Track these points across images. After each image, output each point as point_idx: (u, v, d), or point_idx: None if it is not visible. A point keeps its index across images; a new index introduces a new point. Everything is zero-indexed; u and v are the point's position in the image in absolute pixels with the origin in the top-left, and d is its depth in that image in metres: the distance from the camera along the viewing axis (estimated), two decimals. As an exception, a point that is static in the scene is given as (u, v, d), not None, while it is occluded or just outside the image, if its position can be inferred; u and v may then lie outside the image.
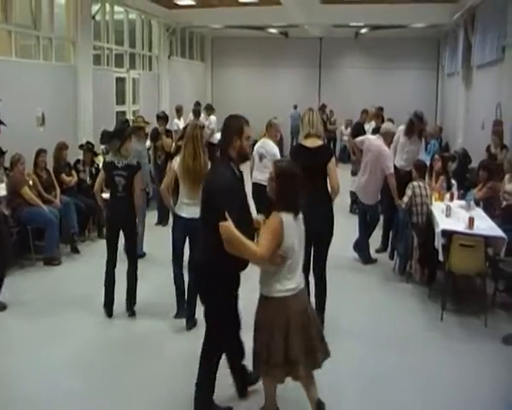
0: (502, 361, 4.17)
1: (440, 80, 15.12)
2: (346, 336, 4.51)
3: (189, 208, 4.34)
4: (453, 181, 6.81)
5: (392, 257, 6.19)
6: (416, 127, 6.76)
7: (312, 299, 4.30)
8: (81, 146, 7.79)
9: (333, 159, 4.26)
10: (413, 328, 4.73)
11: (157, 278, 5.61)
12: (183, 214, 4.42)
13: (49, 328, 4.68)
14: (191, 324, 4.56)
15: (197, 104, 12.09)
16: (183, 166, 4.33)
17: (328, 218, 4.29)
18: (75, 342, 4.41)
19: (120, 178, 4.69)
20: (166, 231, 7.27)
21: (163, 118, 8.12)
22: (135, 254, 4.95)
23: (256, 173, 6.21)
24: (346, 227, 7.14)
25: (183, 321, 4.62)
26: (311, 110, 4.42)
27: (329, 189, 4.33)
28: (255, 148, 6.43)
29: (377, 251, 6.68)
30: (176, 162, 4.47)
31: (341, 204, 8.87)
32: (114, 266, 4.82)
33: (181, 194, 4.47)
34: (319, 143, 4.28)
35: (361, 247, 6.40)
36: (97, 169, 7.69)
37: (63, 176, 7.14)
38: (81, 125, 9.49)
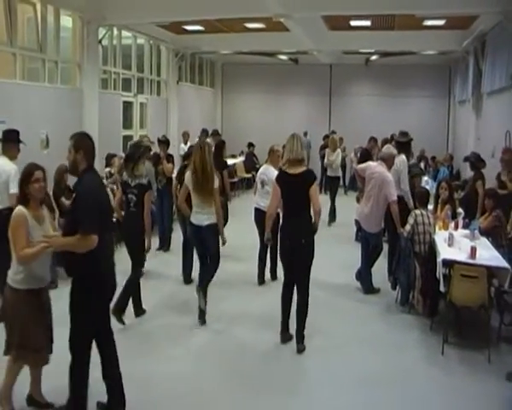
0: (505, 400, 4.03)
1: (452, 108, 15.14)
2: (343, 368, 4.47)
3: (198, 216, 5.12)
4: (460, 210, 6.76)
5: (394, 287, 6.09)
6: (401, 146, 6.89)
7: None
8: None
9: (314, 184, 4.52)
10: (413, 361, 4.63)
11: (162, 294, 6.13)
12: (194, 221, 5.17)
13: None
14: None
15: (204, 131, 12.25)
16: (192, 179, 5.01)
17: (307, 240, 4.56)
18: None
19: (132, 196, 5.32)
20: (167, 257, 7.47)
21: (164, 142, 8.15)
22: (137, 264, 5.35)
23: (258, 199, 6.41)
24: (350, 256, 7.20)
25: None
26: (293, 136, 4.66)
27: (312, 214, 4.59)
28: (258, 174, 6.59)
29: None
30: (186, 177, 5.17)
31: (347, 233, 8.92)
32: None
33: (193, 204, 5.18)
34: (301, 169, 4.55)
35: (363, 276, 6.33)
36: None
37: (63, 199, 7.21)
38: (86, 148, 9.62)
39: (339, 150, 10.26)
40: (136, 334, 5.07)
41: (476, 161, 7.35)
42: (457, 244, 5.32)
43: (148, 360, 4.51)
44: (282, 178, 4.68)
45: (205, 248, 5.21)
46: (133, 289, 5.32)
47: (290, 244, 4.58)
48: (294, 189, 4.52)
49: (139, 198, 5.26)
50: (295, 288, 4.77)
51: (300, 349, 4.68)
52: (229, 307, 5.73)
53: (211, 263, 5.24)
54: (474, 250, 4.91)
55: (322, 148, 14.06)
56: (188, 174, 5.12)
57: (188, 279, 6.46)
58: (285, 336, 4.85)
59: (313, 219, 4.53)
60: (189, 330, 5.14)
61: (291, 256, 4.62)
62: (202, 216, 5.05)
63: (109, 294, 3.47)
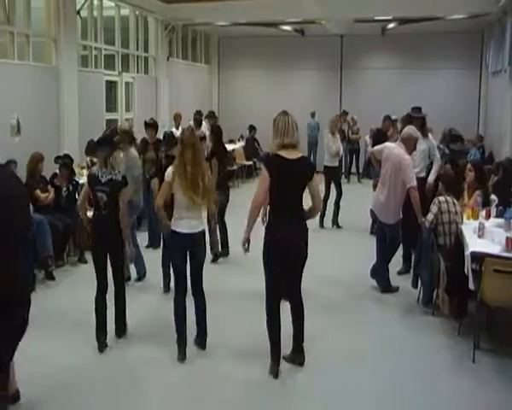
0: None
1: (484, 80, 14.95)
2: (358, 379, 4.40)
3: (190, 222, 4.58)
4: (494, 196, 6.65)
5: (415, 285, 6.03)
6: (415, 121, 6.90)
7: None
8: (57, 158, 7.77)
9: (315, 174, 4.27)
10: (439, 370, 4.55)
11: (148, 307, 5.82)
12: (180, 230, 4.58)
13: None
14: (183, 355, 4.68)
15: (198, 113, 12.15)
16: (180, 174, 4.49)
17: (305, 237, 4.34)
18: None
19: (102, 194, 4.80)
20: (157, 255, 7.31)
21: (152, 125, 8.08)
22: (122, 277, 5.12)
23: None
24: (364, 251, 7.14)
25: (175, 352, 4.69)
26: (285, 114, 4.30)
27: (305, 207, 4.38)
28: None
29: (400, 273, 6.70)
30: (168, 172, 4.60)
31: (360, 225, 8.87)
32: (105, 292, 4.92)
33: (178, 207, 4.59)
34: (298, 154, 4.26)
35: (379, 273, 6.28)
36: (75, 186, 7.69)
37: (37, 192, 7.14)
38: (64, 135, 9.59)
39: (337, 134, 10.02)
40: (105, 367, 4.64)
41: (450, 137, 7.31)
42: (490, 235, 5.21)
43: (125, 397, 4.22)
44: (277, 163, 4.21)
45: (192, 266, 4.69)
46: (123, 302, 5.08)
47: (287, 247, 4.20)
48: (291, 178, 4.17)
49: (111, 198, 4.80)
50: (286, 301, 4.48)
51: (301, 361, 4.50)
52: (228, 332, 5.26)
53: (197, 296, 4.75)
54: (510, 242, 4.78)
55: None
56: (170, 170, 4.59)
57: (168, 288, 6.23)
58: (277, 368, 4.37)
59: (308, 214, 4.36)
60: (170, 361, 4.65)
61: (284, 263, 4.27)
62: (196, 222, 4.60)
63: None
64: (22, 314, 3.40)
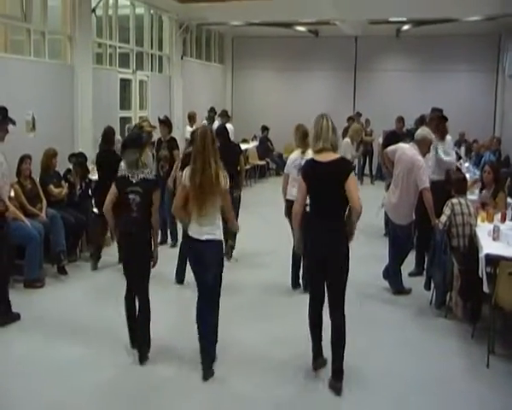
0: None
1: (500, 83, 14.81)
2: (371, 383, 4.35)
3: (195, 227, 4.33)
4: (509, 200, 6.63)
5: (428, 287, 5.98)
6: (430, 123, 7.00)
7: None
8: (71, 156, 7.80)
9: (352, 175, 4.09)
10: (451, 375, 4.49)
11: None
12: (190, 233, 4.38)
13: (19, 365, 4.57)
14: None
15: (212, 110, 12.13)
16: (191, 183, 4.25)
17: (343, 250, 4.19)
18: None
19: (135, 196, 4.53)
20: (165, 252, 7.24)
21: (165, 123, 8.09)
22: (146, 291, 4.65)
23: (293, 190, 5.83)
24: (377, 252, 7.10)
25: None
26: (323, 117, 4.22)
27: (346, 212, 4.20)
28: (291, 161, 6.21)
29: (411, 275, 6.64)
30: (185, 175, 4.36)
31: (374, 226, 8.78)
32: (134, 296, 4.68)
33: (191, 210, 4.36)
34: (334, 156, 4.15)
35: (392, 275, 6.23)
36: (88, 184, 7.72)
37: (51, 187, 7.17)
38: (79, 131, 9.63)
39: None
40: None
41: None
42: (505, 238, 5.15)
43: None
44: (310, 167, 4.22)
45: (201, 270, 4.40)
46: (148, 322, 4.61)
47: (322, 255, 4.16)
48: (325, 181, 4.09)
49: (145, 199, 4.51)
50: (327, 308, 4.34)
51: (338, 389, 4.16)
52: (240, 338, 5.04)
53: (206, 306, 4.37)
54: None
55: (346, 131, 13.87)
56: (185, 173, 4.35)
57: (180, 280, 6.45)
58: (319, 362, 4.41)
59: (351, 222, 4.15)
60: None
61: (321, 270, 4.20)
62: (202, 228, 4.28)
63: None
64: None
